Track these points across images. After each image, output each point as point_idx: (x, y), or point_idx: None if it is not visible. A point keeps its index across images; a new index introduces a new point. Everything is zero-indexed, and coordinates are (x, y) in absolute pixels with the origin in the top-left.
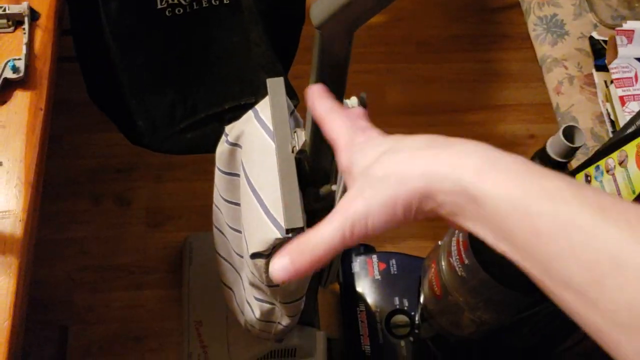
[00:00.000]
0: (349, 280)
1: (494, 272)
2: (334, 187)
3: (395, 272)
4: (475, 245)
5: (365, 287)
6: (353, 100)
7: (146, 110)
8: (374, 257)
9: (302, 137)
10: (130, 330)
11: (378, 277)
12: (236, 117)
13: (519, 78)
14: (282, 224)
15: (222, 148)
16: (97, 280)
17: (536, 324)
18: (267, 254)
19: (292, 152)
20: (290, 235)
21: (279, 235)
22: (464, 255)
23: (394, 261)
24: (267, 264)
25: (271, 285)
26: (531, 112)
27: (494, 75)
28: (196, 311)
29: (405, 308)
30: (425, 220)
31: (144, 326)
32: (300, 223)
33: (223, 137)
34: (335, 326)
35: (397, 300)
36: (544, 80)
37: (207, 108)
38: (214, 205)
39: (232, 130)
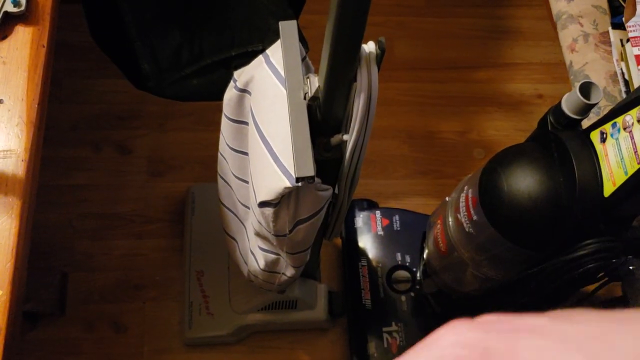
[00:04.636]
0: (351, 235)
1: (503, 229)
2: (345, 137)
3: (398, 229)
4: (485, 202)
5: (367, 243)
6: (370, 45)
7: (152, 53)
8: (378, 213)
9: (315, 83)
10: (130, 279)
11: (381, 232)
12: (243, 64)
13: (529, 36)
14: (292, 172)
15: (230, 94)
16: (98, 228)
17: (540, 281)
18: (275, 203)
19: (304, 98)
20: (299, 184)
21: (288, 184)
22: (472, 212)
23: (397, 217)
24: (275, 213)
25: (278, 234)
26: (540, 72)
27: (504, 33)
28: (198, 261)
29: (407, 264)
30: (430, 177)
31: (144, 275)
32: (311, 172)
33: (231, 83)
34: (336, 280)
35: (399, 256)
36: (554, 39)
37: (213, 53)
38: (219, 154)
39: (241, 75)
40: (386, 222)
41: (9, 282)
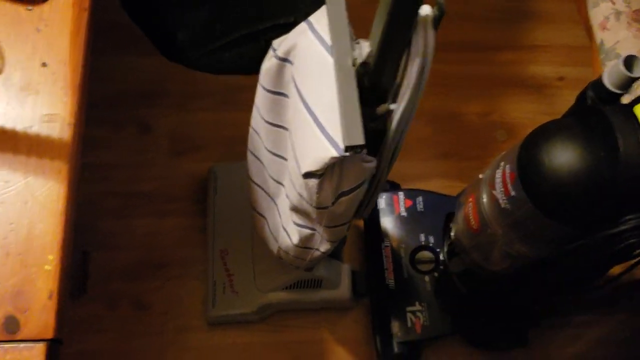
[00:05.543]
0: (373, 216)
1: (542, 205)
2: (392, 106)
3: (422, 210)
4: (524, 178)
5: (390, 224)
6: (426, 8)
7: (186, 24)
8: (400, 194)
9: (365, 48)
10: (152, 258)
11: (404, 213)
12: (274, 37)
13: (551, 18)
14: (339, 142)
15: (269, 64)
16: (120, 207)
17: (577, 258)
18: (320, 174)
19: (353, 65)
20: (348, 153)
21: (335, 154)
22: (510, 187)
23: (420, 199)
24: (319, 185)
25: (320, 207)
26: (562, 54)
27: (526, 15)
28: (221, 240)
29: (431, 245)
30: (452, 159)
31: (166, 254)
32: (361, 140)
33: (270, 52)
34: (357, 260)
35: (422, 237)
36: (577, 22)
37: (245, 26)
38: (250, 129)
39: (281, 44)
40: (409, 203)
41: (59, 246)
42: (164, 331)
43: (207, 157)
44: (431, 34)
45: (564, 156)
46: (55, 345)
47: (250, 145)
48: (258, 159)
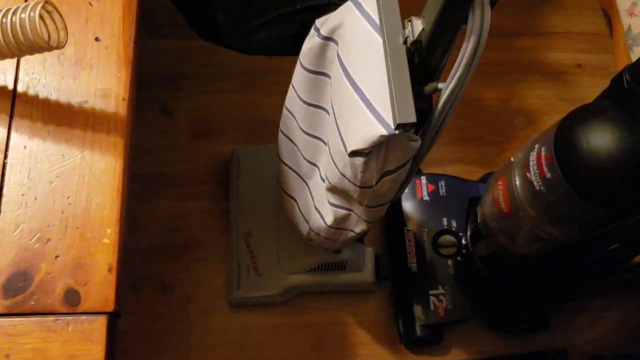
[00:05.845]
0: (396, 200)
1: (579, 187)
2: (440, 85)
3: (444, 194)
4: (562, 160)
5: (412, 208)
6: None
7: (225, 4)
8: (423, 179)
9: (418, 26)
10: (175, 240)
11: (426, 198)
12: (307, 17)
13: (571, 5)
14: (388, 120)
15: (311, 43)
16: (142, 189)
17: (609, 241)
18: (367, 152)
19: (404, 43)
20: (397, 131)
21: (384, 132)
22: (545, 169)
23: (443, 183)
24: (365, 163)
25: (364, 186)
26: (581, 41)
27: (544, 1)
28: (245, 223)
29: (453, 229)
30: (472, 144)
31: (189, 236)
32: (413, 118)
33: (312, 32)
34: (379, 244)
35: (445, 221)
36: (595, 9)
37: (280, 7)
38: (284, 110)
39: (325, 23)
40: (432, 187)
41: (116, 221)
42: (188, 314)
43: (230, 140)
44: (488, 12)
45: (602, 139)
46: (115, 319)
47: (282, 126)
48: (291, 140)
